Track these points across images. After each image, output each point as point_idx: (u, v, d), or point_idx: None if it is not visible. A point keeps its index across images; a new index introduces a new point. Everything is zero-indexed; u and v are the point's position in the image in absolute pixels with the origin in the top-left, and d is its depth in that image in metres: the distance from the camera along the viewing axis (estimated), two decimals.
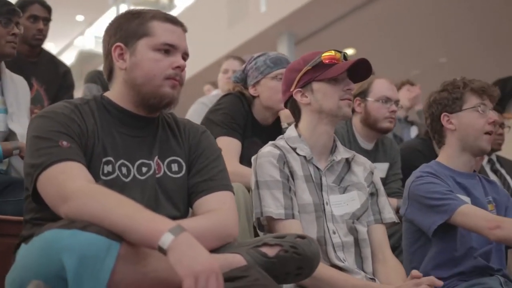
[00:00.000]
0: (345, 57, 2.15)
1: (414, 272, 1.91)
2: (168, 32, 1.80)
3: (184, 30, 1.86)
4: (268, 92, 2.84)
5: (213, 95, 4.70)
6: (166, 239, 1.42)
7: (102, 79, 3.69)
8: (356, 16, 9.44)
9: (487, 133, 2.39)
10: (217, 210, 1.77)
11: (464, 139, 2.41)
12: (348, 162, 2.22)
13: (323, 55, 2.13)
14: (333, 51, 2.13)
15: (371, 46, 9.35)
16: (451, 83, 2.48)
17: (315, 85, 2.13)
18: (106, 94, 1.86)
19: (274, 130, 2.92)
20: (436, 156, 3.39)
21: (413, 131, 5.17)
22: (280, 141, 2.18)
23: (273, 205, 2.02)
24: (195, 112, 4.20)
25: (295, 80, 2.16)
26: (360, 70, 2.14)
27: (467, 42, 9.75)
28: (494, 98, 2.44)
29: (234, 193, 1.88)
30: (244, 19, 10.29)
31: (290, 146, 2.15)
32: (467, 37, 9.59)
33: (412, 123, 5.37)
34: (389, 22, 9.44)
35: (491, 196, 2.44)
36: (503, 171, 3.78)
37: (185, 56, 1.84)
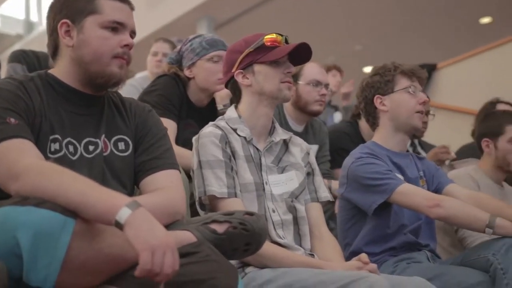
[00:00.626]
0: (286, 40, 2.19)
1: (364, 256, 1.98)
2: (116, 10, 1.79)
3: (132, 8, 1.86)
4: (203, 73, 2.86)
5: (141, 77, 4.65)
6: (123, 214, 1.43)
7: (27, 59, 3.58)
8: (275, 2, 9.53)
9: (418, 112, 2.50)
10: (165, 188, 1.79)
11: (397, 119, 2.52)
12: (285, 143, 2.27)
13: (265, 37, 2.16)
14: (274, 34, 2.17)
15: (289, 32, 9.43)
16: (382, 67, 2.58)
17: (257, 67, 2.16)
18: (51, 71, 1.83)
19: (209, 111, 2.95)
20: (362, 138, 3.54)
21: (337, 117, 5.29)
22: (220, 121, 2.21)
23: (216, 184, 2.05)
24: (124, 94, 4.15)
25: (236, 61, 2.19)
26: (300, 54, 2.20)
27: (382, 30, 10.04)
28: (422, 80, 2.56)
29: (180, 172, 1.90)
30: (164, 2, 10.18)
31: (231, 127, 2.18)
32: (382, 25, 9.88)
33: (336, 108, 5.49)
34: (307, 9, 9.60)
35: (421, 171, 2.56)
36: (424, 154, 3.97)
37: (132, 34, 1.84)
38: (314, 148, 3.37)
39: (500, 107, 4.12)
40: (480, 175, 2.97)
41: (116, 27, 1.78)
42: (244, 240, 1.68)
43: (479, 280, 2.17)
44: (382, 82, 2.54)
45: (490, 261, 2.15)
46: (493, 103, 4.24)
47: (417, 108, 2.50)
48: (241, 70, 2.18)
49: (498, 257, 2.13)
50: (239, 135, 2.17)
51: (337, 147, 3.47)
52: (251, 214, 1.72)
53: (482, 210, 2.27)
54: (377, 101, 2.54)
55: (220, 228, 1.65)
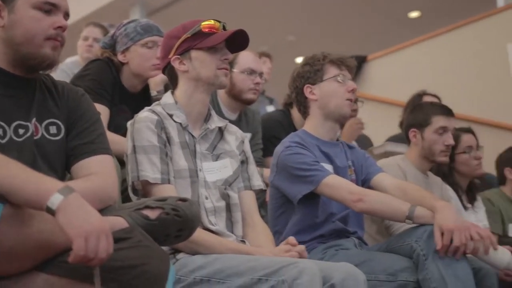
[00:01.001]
0: (224, 27, 2.20)
1: (291, 239, 2.02)
2: None
3: None
4: (137, 59, 2.83)
5: (71, 61, 4.55)
6: (55, 200, 1.41)
7: None
8: None
9: (347, 100, 2.55)
10: (97, 173, 1.76)
11: (326, 107, 2.56)
12: (221, 130, 2.28)
13: (202, 23, 2.16)
14: (212, 21, 2.17)
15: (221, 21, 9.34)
16: (311, 57, 2.63)
17: (194, 53, 2.16)
18: None
19: (143, 97, 2.93)
20: (294, 127, 3.58)
21: (270, 110, 5.29)
22: (157, 107, 2.20)
23: (149, 170, 2.04)
24: None
25: (173, 47, 2.18)
26: (237, 41, 2.21)
27: (314, 22, 10.15)
28: (351, 68, 2.61)
29: (113, 157, 1.89)
30: None
31: (167, 113, 2.17)
32: (314, 16, 9.99)
33: (270, 101, 5.51)
34: None
35: (350, 160, 2.62)
36: (354, 143, 4.05)
37: (66, 16, 1.80)
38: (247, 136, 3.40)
39: (427, 99, 4.25)
40: (407, 165, 3.06)
41: (49, 8, 1.74)
42: (176, 226, 1.68)
43: (404, 266, 2.24)
44: (311, 72, 2.58)
45: (413, 248, 2.22)
46: (420, 95, 4.36)
47: (346, 96, 2.55)
48: (178, 56, 2.18)
49: (420, 244, 2.21)
50: (175, 121, 2.16)
51: (269, 135, 3.51)
52: (184, 200, 1.72)
53: (408, 199, 2.34)
54: (307, 90, 2.59)
55: (152, 214, 1.65)
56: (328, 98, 2.55)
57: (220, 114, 3.29)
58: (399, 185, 2.49)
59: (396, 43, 7.39)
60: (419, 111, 3.16)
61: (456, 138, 3.28)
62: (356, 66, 2.65)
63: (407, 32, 8.89)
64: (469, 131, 3.48)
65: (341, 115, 2.57)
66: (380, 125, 5.65)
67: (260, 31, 10.25)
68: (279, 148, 2.54)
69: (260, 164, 3.33)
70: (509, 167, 3.70)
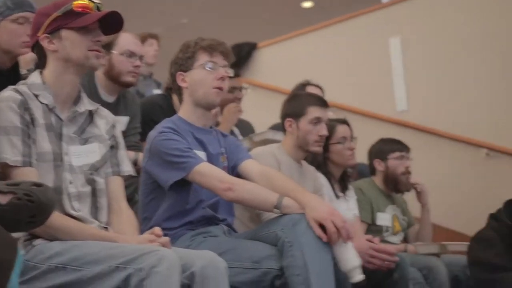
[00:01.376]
0: (98, 8, 2.14)
1: (157, 229, 2.01)
2: None
3: None
4: (7, 35, 2.71)
5: None
6: None
7: None
8: None
9: (215, 88, 2.55)
10: None
11: (194, 95, 2.56)
12: (91, 114, 2.23)
13: (74, 2, 2.09)
14: (86, 0, 2.11)
15: (114, 2, 9.05)
16: (185, 43, 2.61)
17: (64, 33, 2.10)
18: None
19: (12, 75, 2.80)
20: (174, 111, 3.55)
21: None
22: (22, 86, 2.11)
23: (10, 152, 1.97)
24: None
25: (43, 24, 2.11)
26: (112, 23, 2.16)
27: (209, 6, 10.11)
28: (226, 54, 2.59)
29: None
30: None
31: (33, 93, 2.10)
32: (209, 0, 9.95)
33: (158, 85, 5.43)
34: None
35: (223, 147, 2.63)
36: (238, 131, 4.08)
37: None
38: (124, 119, 3.33)
39: (310, 89, 4.35)
40: (282, 153, 3.12)
41: None
42: (29, 212, 1.64)
43: (269, 253, 2.27)
44: (183, 59, 2.57)
45: (279, 236, 2.26)
46: (303, 85, 4.46)
47: (214, 84, 2.54)
48: (48, 35, 2.11)
49: (285, 232, 2.25)
50: (41, 102, 2.09)
51: (148, 118, 3.46)
52: (39, 185, 1.68)
53: (274, 187, 2.38)
54: (179, 77, 2.58)
55: (2, 199, 1.60)
56: (196, 86, 2.55)
57: (97, 96, 3.22)
58: (265, 173, 2.51)
59: (288, 32, 7.49)
60: (295, 101, 3.22)
61: (331, 129, 3.37)
62: (230, 51, 2.62)
63: (299, 22, 9.02)
64: (344, 122, 3.59)
65: (209, 103, 2.58)
66: (267, 112, 5.71)
67: (154, 13, 10.10)
68: (152, 133, 2.51)
69: (137, 148, 3.29)
70: (379, 158, 3.85)
